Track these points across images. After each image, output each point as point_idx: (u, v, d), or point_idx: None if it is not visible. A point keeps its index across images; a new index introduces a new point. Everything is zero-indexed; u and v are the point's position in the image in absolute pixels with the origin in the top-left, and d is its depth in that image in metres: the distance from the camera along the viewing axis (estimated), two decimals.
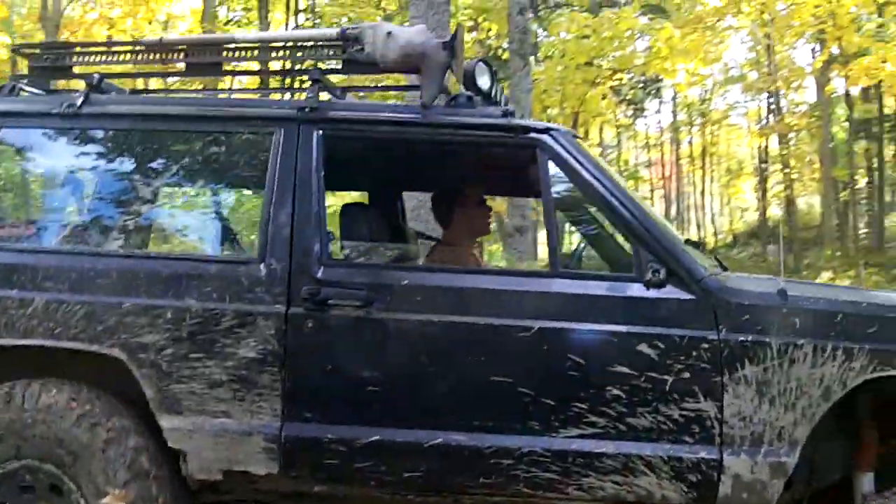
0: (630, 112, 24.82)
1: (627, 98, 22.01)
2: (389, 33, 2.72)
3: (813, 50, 19.68)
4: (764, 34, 16.68)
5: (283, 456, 2.51)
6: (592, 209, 2.97)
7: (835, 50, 15.43)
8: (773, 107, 23.88)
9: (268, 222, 2.62)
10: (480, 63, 2.81)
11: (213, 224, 3.27)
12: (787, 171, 23.24)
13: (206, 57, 2.86)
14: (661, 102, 26.18)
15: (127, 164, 3.01)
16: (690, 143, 29.83)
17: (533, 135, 2.71)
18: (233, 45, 2.86)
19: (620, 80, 17.30)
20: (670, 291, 2.54)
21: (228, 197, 3.42)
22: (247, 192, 3.38)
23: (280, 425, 2.52)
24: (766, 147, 25.19)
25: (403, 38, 2.70)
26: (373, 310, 2.53)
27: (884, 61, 13.08)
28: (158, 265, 2.63)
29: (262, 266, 2.58)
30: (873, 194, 21.97)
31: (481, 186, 3.60)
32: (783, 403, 2.48)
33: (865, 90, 18.40)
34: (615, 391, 2.48)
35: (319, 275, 2.57)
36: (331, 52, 2.82)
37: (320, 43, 2.83)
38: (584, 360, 2.50)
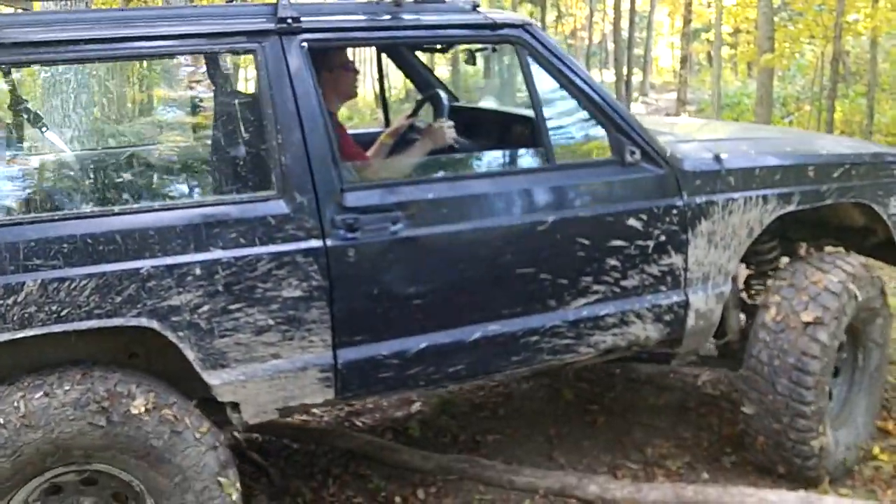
0: None
1: None
2: None
3: None
4: None
5: (339, 381, 2.53)
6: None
7: None
8: None
9: (279, 152, 2.43)
10: None
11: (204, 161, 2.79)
12: None
13: None
14: None
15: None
16: None
17: (508, 31, 2.78)
18: None
19: None
20: (646, 169, 2.90)
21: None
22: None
23: (333, 354, 2.51)
24: None
25: None
26: (405, 228, 2.54)
27: None
28: (171, 217, 2.32)
29: (283, 201, 2.42)
30: None
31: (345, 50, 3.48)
32: (723, 246, 3.06)
33: None
34: (612, 262, 2.85)
35: (348, 202, 2.48)
36: None
37: None
38: (589, 241, 2.80)
